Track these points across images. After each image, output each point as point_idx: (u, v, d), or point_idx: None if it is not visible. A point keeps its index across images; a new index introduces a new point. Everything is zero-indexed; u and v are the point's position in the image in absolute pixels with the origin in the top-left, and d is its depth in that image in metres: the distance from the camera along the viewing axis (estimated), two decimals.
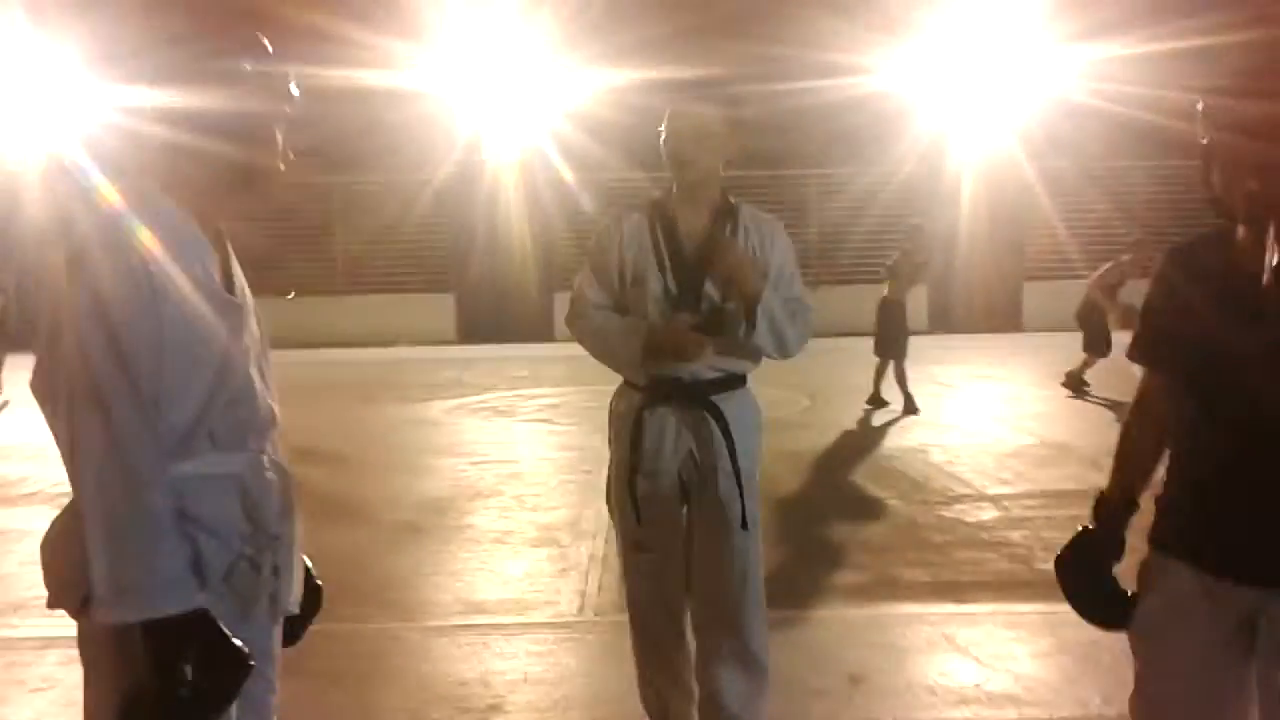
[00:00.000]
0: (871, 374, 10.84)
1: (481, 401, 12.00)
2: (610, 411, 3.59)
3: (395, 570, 5.93)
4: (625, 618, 3.66)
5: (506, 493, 7.64)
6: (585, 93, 17.66)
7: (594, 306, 3.50)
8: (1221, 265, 2.23)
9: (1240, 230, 2.19)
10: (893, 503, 7.24)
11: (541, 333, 17.85)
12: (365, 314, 18.18)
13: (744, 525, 3.39)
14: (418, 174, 18.01)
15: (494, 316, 18.45)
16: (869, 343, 10.89)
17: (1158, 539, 2.37)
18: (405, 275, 18.86)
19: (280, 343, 2.50)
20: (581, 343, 3.54)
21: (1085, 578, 2.47)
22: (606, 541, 6.38)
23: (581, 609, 5.28)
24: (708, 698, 3.50)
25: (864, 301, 12.25)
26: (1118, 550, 2.44)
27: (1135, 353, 2.46)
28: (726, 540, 3.41)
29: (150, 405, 2.00)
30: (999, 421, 10.36)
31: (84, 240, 2.03)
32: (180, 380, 2.04)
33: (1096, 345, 11.85)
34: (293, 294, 17.56)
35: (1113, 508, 2.45)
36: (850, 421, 10.20)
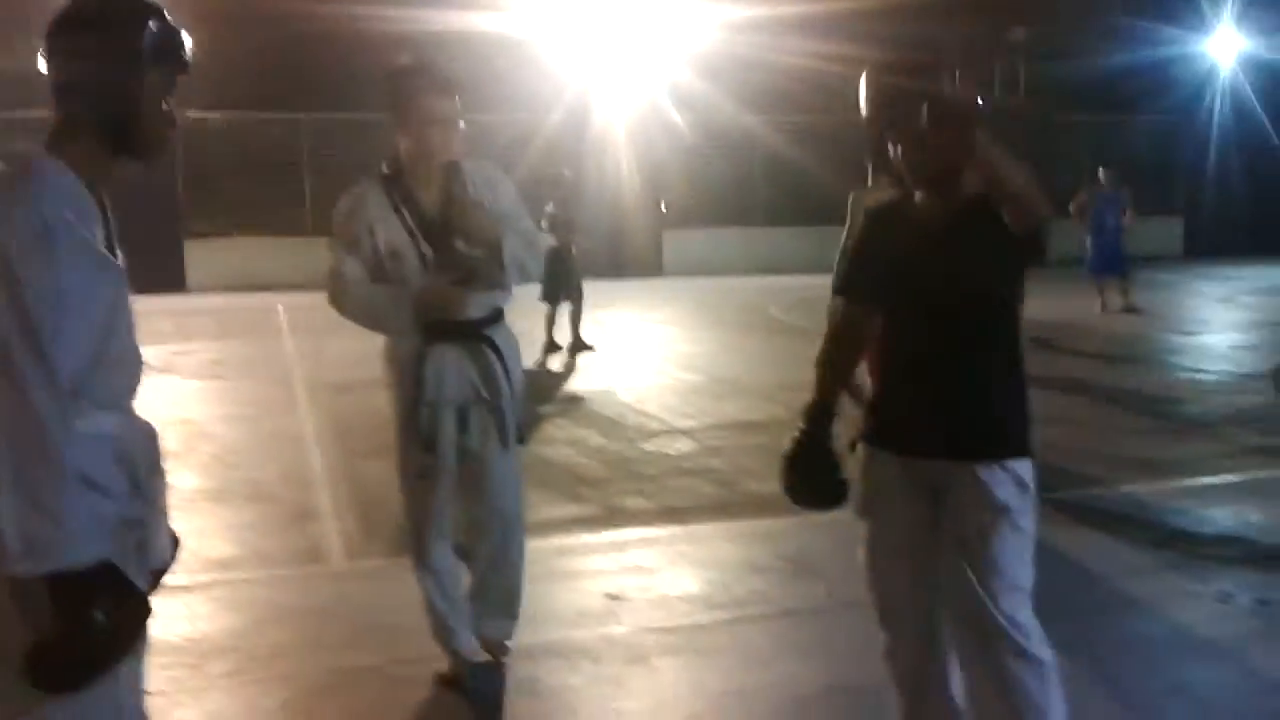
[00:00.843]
0: (542, 321, 11.25)
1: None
2: (386, 357, 3.82)
3: None
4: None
5: (203, 451, 7.35)
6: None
7: (354, 281, 3.69)
8: (905, 220, 2.88)
9: (917, 195, 2.85)
10: (597, 440, 7.66)
11: None
12: None
13: (520, 440, 3.88)
14: (528, 117, 17.41)
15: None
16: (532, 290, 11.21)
17: (867, 434, 2.98)
18: None
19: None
20: (350, 316, 3.72)
21: (809, 470, 2.99)
22: (331, 492, 6.39)
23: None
24: (479, 589, 3.91)
25: None
26: (828, 447, 2.98)
27: (843, 287, 3.11)
28: (505, 454, 3.82)
29: (51, 363, 1.99)
30: (668, 361, 11.09)
31: None
32: (70, 340, 2.04)
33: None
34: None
35: (820, 411, 2.99)
36: (530, 366, 10.52)
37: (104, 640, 2.02)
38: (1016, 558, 2.72)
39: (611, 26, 19.35)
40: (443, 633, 3.88)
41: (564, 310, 11.30)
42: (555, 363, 10.92)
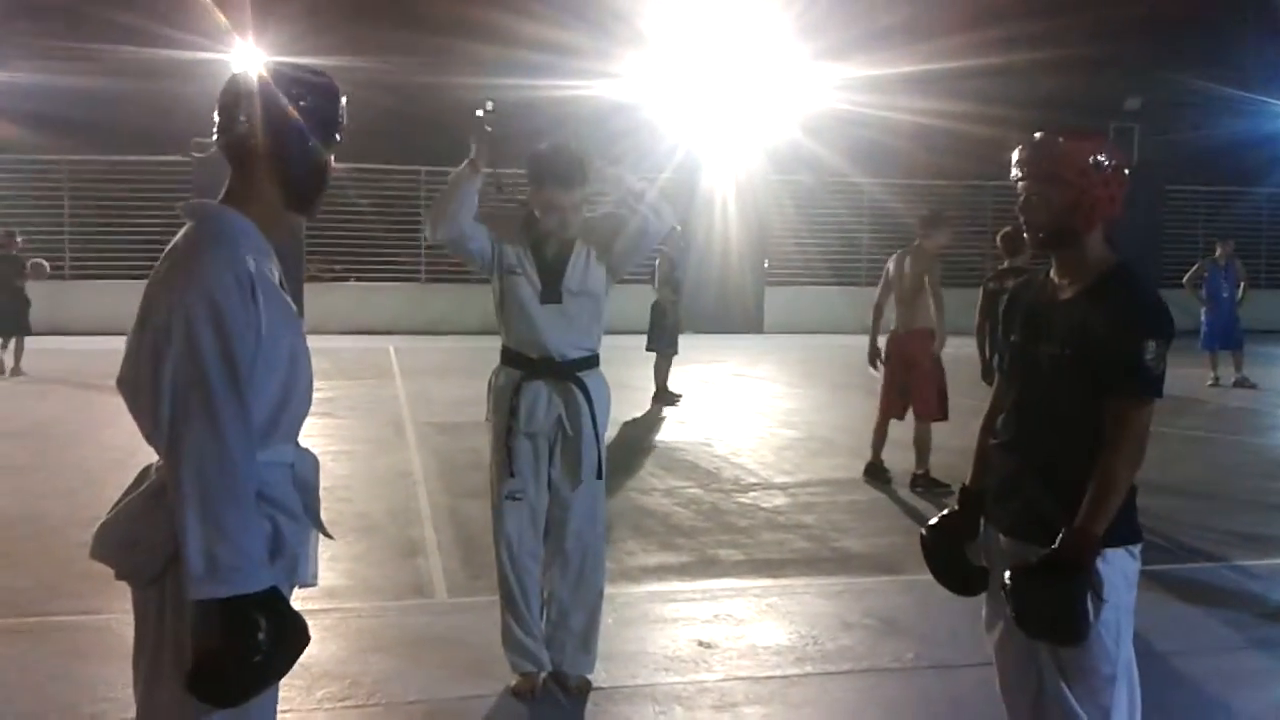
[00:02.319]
0: (651, 371, 11.48)
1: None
2: (490, 386, 4.30)
3: None
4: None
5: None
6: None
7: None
8: (1035, 294, 2.95)
9: (1051, 270, 2.91)
10: (693, 490, 7.79)
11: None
12: None
13: (599, 474, 4.21)
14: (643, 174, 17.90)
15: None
16: (631, 340, 11.47)
17: (985, 515, 3.01)
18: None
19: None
20: (434, 215, 4.14)
21: (948, 555, 3.03)
22: (435, 529, 6.62)
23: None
24: (559, 619, 4.23)
25: (632, 301, 12.89)
26: (973, 532, 3.02)
27: (984, 372, 3.12)
28: (586, 488, 4.19)
29: (246, 401, 2.19)
30: (764, 416, 11.18)
31: (195, 249, 2.23)
32: (264, 378, 2.25)
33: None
34: None
35: (971, 497, 3.03)
36: (628, 415, 10.73)
37: (266, 661, 2.17)
38: (1097, 648, 2.73)
39: (722, 86, 19.70)
40: (513, 649, 4.20)
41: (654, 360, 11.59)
42: (654, 413, 11.09)
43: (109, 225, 18.41)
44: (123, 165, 18.07)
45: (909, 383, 7.97)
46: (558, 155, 4.07)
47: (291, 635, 2.23)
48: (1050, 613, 2.67)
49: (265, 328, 2.22)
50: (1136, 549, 2.82)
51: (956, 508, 3.05)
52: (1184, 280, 14.55)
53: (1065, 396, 2.78)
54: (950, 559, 3.03)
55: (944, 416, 7.90)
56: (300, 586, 2.47)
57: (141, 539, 2.25)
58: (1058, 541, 2.67)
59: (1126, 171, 2.83)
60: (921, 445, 7.91)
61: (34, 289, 14.38)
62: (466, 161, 4.08)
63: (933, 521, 3.08)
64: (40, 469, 8.14)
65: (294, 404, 2.36)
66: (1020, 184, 2.85)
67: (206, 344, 2.15)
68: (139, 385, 2.22)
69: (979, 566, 2.99)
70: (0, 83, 16.10)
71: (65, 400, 11.73)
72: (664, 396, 11.52)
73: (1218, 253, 14.53)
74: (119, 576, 2.32)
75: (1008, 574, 2.74)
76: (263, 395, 2.25)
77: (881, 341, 8.16)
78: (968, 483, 3.06)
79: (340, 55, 17.51)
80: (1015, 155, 2.87)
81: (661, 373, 11.62)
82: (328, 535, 2.54)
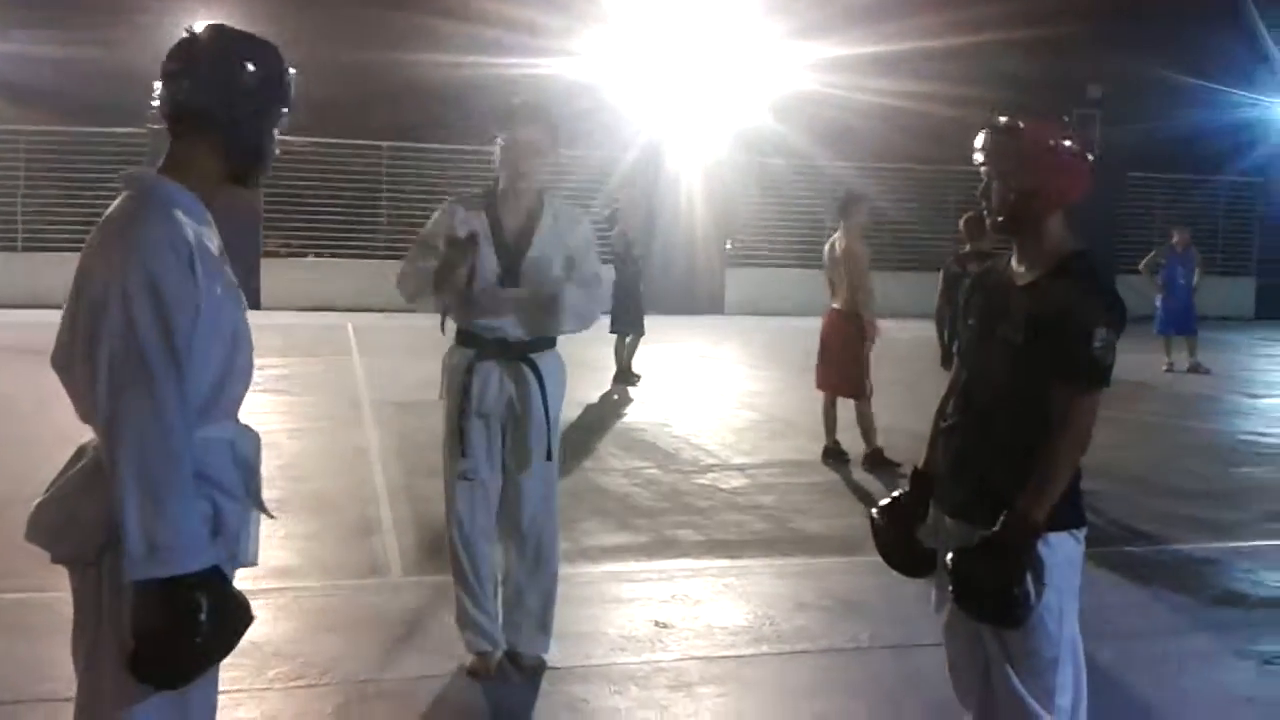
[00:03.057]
0: (611, 351, 11.44)
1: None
2: (443, 366, 4.25)
3: None
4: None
5: (270, 463, 7.57)
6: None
7: (419, 268, 4.12)
8: (995, 279, 2.97)
9: (1012, 256, 2.92)
10: (652, 471, 7.78)
11: None
12: None
13: (549, 456, 4.17)
14: (606, 155, 18.48)
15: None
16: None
17: (933, 498, 3.02)
18: None
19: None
20: (400, 288, 4.16)
21: (896, 537, 3.04)
22: (392, 507, 6.57)
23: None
24: (515, 599, 4.20)
25: None
26: (923, 514, 3.03)
27: (944, 358, 3.13)
28: (537, 470, 4.16)
29: (185, 377, 2.14)
30: (725, 397, 11.19)
31: (132, 220, 2.16)
32: (203, 354, 2.19)
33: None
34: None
35: (922, 480, 3.04)
36: (589, 396, 10.68)
37: (206, 641, 2.13)
38: (1040, 630, 2.75)
39: (687, 67, 19.62)
40: (468, 629, 4.17)
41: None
42: (613, 393, 11.06)
43: (64, 197, 18.08)
44: (79, 136, 17.74)
45: (828, 358, 8.09)
46: (526, 102, 4.16)
47: (232, 615, 2.19)
48: (990, 595, 2.68)
49: (205, 301, 2.16)
50: (1080, 533, 2.84)
51: (907, 490, 3.06)
52: (1140, 265, 14.72)
53: (1015, 381, 2.78)
54: (899, 541, 3.04)
55: (858, 396, 7.96)
56: (241, 566, 2.43)
57: (77, 520, 2.20)
58: (999, 524, 2.69)
59: (1090, 158, 2.83)
60: (863, 424, 7.97)
61: None
62: (439, 267, 3.99)
63: (882, 503, 3.09)
64: None
65: (235, 380, 2.30)
66: (982, 169, 2.85)
67: (144, 319, 2.09)
68: (73, 362, 2.16)
69: (927, 549, 3.00)
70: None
71: (14, 374, 11.52)
72: (625, 377, 11.48)
73: (1175, 239, 14.70)
74: (55, 560, 2.27)
75: (949, 555, 2.76)
76: (203, 371, 2.19)
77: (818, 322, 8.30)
78: (920, 465, 3.07)
79: (299, 28, 17.31)
80: (977, 141, 2.87)
81: (622, 354, 11.57)
82: (269, 514, 2.50)
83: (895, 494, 3.09)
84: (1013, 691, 2.78)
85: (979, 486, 2.82)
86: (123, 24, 16.84)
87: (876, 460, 7.87)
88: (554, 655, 4.29)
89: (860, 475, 7.79)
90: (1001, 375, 2.81)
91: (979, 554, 2.70)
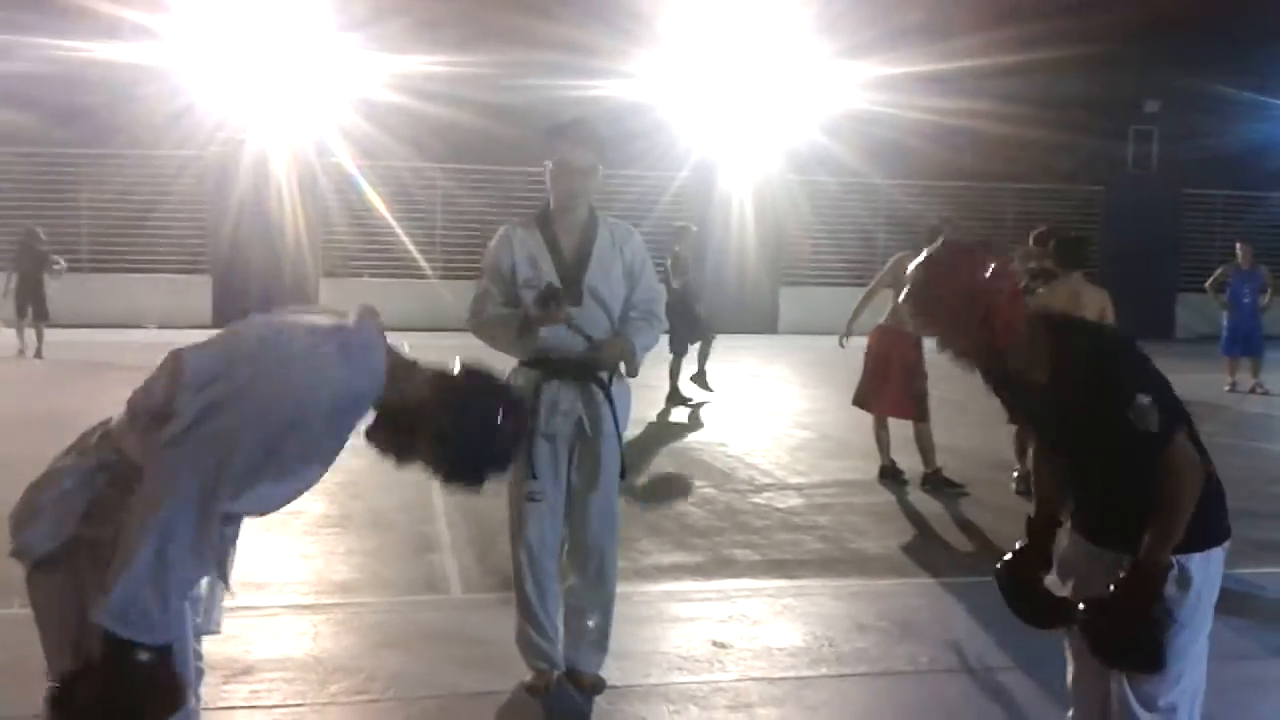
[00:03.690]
0: (666, 371, 11.48)
1: None
2: None
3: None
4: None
5: (329, 480, 7.65)
6: None
7: (492, 304, 4.13)
8: (1016, 377, 2.85)
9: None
10: (707, 490, 7.77)
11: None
12: None
13: (622, 475, 4.20)
14: (658, 176, 18.94)
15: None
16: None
17: (1070, 518, 2.99)
18: None
19: None
20: (477, 334, 4.17)
21: (1021, 590, 2.96)
22: (449, 525, 6.61)
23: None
24: (575, 616, 4.21)
25: None
26: (1046, 563, 2.97)
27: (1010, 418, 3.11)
28: (606, 486, 4.15)
29: (241, 492, 2.18)
30: (779, 416, 11.15)
31: (340, 339, 2.28)
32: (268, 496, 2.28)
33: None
34: None
35: (1038, 527, 2.99)
36: (643, 415, 10.69)
37: (127, 705, 2.12)
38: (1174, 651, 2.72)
39: (738, 87, 19.66)
40: (528, 650, 4.17)
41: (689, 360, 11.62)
42: (668, 413, 11.07)
43: (125, 218, 18.45)
44: (138, 159, 18.11)
45: (884, 378, 7.93)
46: (573, 122, 4.15)
47: (164, 696, 2.16)
48: (1124, 644, 2.68)
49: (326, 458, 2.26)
50: (1222, 548, 2.82)
51: (1026, 541, 2.99)
52: (1206, 284, 14.47)
53: (1099, 454, 2.77)
54: (1027, 592, 2.96)
55: (921, 418, 7.87)
56: (206, 634, 2.48)
57: (43, 510, 2.21)
58: (1126, 572, 2.66)
59: (1010, 268, 2.78)
60: (922, 444, 7.89)
61: (52, 281, 14.74)
62: (523, 323, 4.01)
63: (1006, 557, 3.01)
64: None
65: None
66: (919, 323, 2.80)
67: (279, 419, 2.15)
68: (153, 412, 2.20)
69: (1057, 598, 2.93)
70: (15, 74, 16.16)
71: (82, 390, 11.75)
72: (677, 397, 11.47)
73: (1239, 256, 14.37)
74: (14, 553, 2.27)
75: (1081, 605, 2.74)
76: (251, 505, 2.25)
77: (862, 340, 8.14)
78: (1032, 515, 3.01)
79: (358, 52, 17.60)
80: (905, 310, 2.84)
81: (679, 373, 11.58)
82: (228, 588, 2.49)
83: (1017, 545, 3.00)
84: (1129, 711, 2.74)
85: (1108, 519, 2.81)
86: (181, 47, 17.19)
87: (937, 481, 7.79)
88: (613, 674, 4.29)
89: (916, 496, 7.73)
90: (1082, 452, 2.81)
91: (1110, 604, 2.68)
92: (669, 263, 11.85)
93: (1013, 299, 2.71)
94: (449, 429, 2.31)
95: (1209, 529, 2.76)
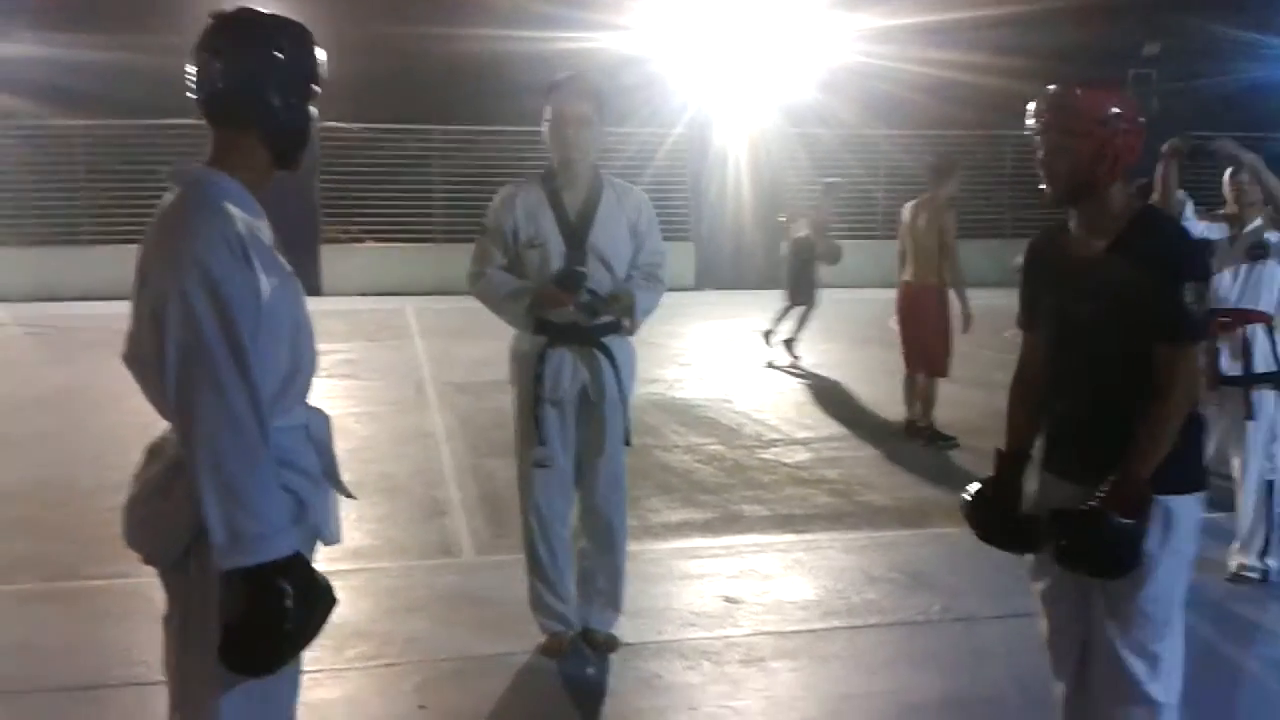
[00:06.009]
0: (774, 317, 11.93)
1: None
2: (511, 354, 4.23)
3: None
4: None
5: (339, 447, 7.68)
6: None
7: (493, 267, 4.12)
8: (1060, 251, 2.90)
9: (1071, 223, 2.86)
10: (715, 447, 7.80)
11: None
12: None
13: (627, 441, 4.24)
14: (653, 132, 18.66)
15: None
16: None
17: (1042, 462, 2.98)
18: None
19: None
20: (479, 298, 4.17)
21: (992, 520, 2.98)
22: (460, 488, 6.65)
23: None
24: (587, 577, 4.27)
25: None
26: (1017, 494, 2.97)
27: (1021, 320, 3.06)
28: (612, 450, 4.20)
29: (251, 368, 2.16)
30: (782, 372, 11.17)
31: (183, 216, 2.19)
32: (268, 346, 2.21)
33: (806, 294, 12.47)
34: None
35: (1008, 461, 3.00)
36: (647, 373, 10.69)
37: (294, 627, 2.17)
38: (1155, 593, 2.72)
39: (735, 39, 19.48)
40: (541, 612, 4.22)
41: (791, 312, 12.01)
42: (670, 374, 11.09)
43: (123, 190, 18.39)
44: (135, 130, 18.02)
45: (919, 337, 7.92)
46: (572, 76, 4.13)
47: (318, 599, 2.23)
48: (1094, 553, 2.67)
49: (265, 292, 2.18)
50: (1203, 495, 2.80)
51: (994, 475, 3.01)
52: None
53: (1107, 349, 2.75)
54: (997, 519, 2.97)
55: (945, 372, 7.89)
56: (325, 545, 2.47)
57: (159, 522, 2.26)
58: (1106, 486, 2.67)
59: (1142, 120, 2.78)
60: (926, 397, 7.89)
61: (54, 255, 14.73)
62: (531, 302, 4.03)
63: (971, 488, 3.03)
64: (67, 435, 8.19)
65: (303, 367, 2.34)
66: (1038, 137, 2.80)
67: (205, 315, 2.11)
68: (145, 361, 2.20)
69: (1027, 520, 2.92)
70: (12, 54, 16.06)
71: (86, 366, 11.78)
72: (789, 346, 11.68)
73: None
74: (146, 561, 2.33)
75: (1053, 516, 2.74)
76: (270, 362, 2.22)
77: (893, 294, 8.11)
78: (1003, 447, 3.02)
79: (348, 11, 17.41)
80: (1031, 107, 2.83)
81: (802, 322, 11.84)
82: (349, 495, 2.55)
83: (985, 479, 3.02)
84: (1115, 657, 2.75)
85: (1087, 450, 2.79)
86: (176, 14, 17.07)
87: (929, 433, 7.81)
88: (626, 632, 4.34)
89: (923, 449, 7.74)
90: (1091, 346, 2.78)
91: (1086, 516, 2.67)
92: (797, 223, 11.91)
93: (1134, 139, 2.75)
94: None
95: (1189, 471, 2.75)
